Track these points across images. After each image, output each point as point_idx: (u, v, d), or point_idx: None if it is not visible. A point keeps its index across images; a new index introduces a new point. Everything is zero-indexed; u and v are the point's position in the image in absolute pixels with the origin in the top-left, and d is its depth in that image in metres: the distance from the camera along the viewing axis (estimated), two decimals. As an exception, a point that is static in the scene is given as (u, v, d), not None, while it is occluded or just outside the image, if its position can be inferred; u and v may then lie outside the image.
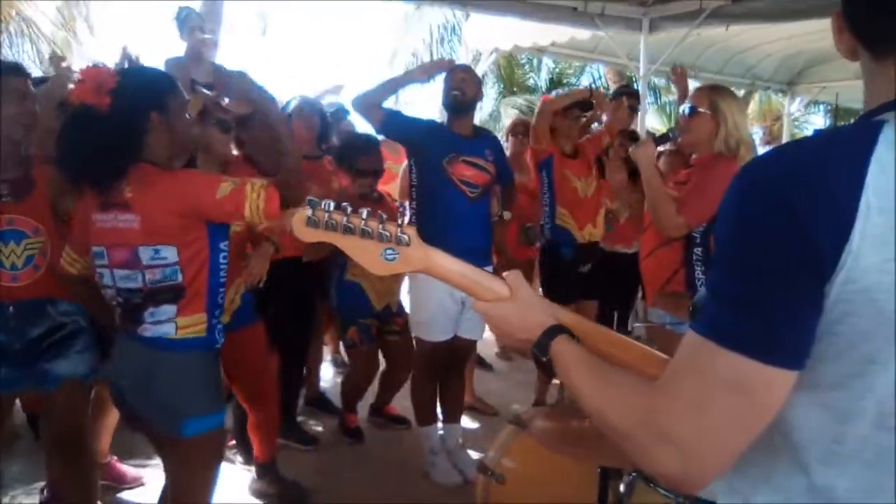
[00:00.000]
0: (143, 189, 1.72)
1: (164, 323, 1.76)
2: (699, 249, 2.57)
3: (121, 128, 1.72)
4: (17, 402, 2.65)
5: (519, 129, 4.46)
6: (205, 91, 2.77)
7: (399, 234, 0.92)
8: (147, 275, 1.74)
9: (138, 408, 1.85)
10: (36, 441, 3.11)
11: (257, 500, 2.94)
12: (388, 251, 0.92)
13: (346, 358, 4.09)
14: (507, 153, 3.84)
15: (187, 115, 1.90)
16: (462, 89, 3.04)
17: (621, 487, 2.01)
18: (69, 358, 2.14)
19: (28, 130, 2.11)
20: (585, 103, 3.69)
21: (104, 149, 1.70)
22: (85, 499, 2.30)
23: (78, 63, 2.73)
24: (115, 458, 2.97)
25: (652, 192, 2.53)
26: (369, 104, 2.97)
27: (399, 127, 3.06)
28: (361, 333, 3.46)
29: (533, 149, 3.79)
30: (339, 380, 4.20)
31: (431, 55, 12.55)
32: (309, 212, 0.92)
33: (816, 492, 0.74)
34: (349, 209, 0.92)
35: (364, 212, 0.92)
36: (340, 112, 4.31)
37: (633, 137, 3.57)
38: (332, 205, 0.92)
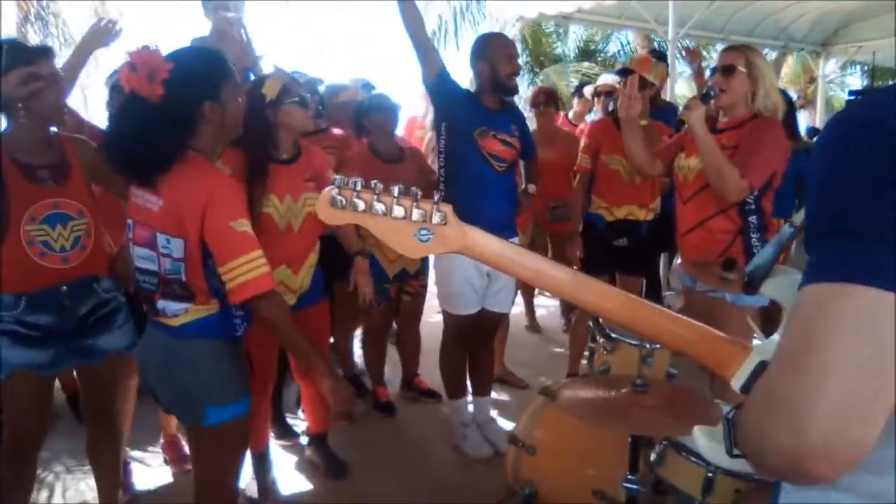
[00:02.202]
0: (173, 174, 1.69)
1: (179, 313, 1.75)
2: (754, 217, 2.51)
3: (173, 121, 1.67)
4: (57, 381, 2.70)
5: (540, 100, 4.23)
6: (285, 71, 2.74)
7: (434, 213, 0.85)
8: (161, 261, 1.73)
9: (160, 396, 1.87)
10: (78, 421, 3.12)
11: (297, 471, 3.02)
12: (423, 231, 0.85)
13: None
14: (532, 126, 3.72)
15: (239, 100, 1.85)
16: (517, 72, 3.03)
17: (652, 456, 2.02)
18: (113, 332, 2.20)
19: (62, 114, 2.13)
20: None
21: (153, 142, 1.66)
22: (114, 467, 2.37)
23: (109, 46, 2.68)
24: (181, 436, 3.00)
25: (711, 155, 2.42)
26: (424, 47, 2.94)
27: (445, 87, 3.00)
28: (379, 295, 3.50)
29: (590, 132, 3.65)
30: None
31: (456, 25, 12.38)
32: (335, 191, 0.84)
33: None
34: (379, 187, 0.85)
35: (395, 189, 0.85)
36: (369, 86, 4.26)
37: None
38: (360, 183, 0.85)
